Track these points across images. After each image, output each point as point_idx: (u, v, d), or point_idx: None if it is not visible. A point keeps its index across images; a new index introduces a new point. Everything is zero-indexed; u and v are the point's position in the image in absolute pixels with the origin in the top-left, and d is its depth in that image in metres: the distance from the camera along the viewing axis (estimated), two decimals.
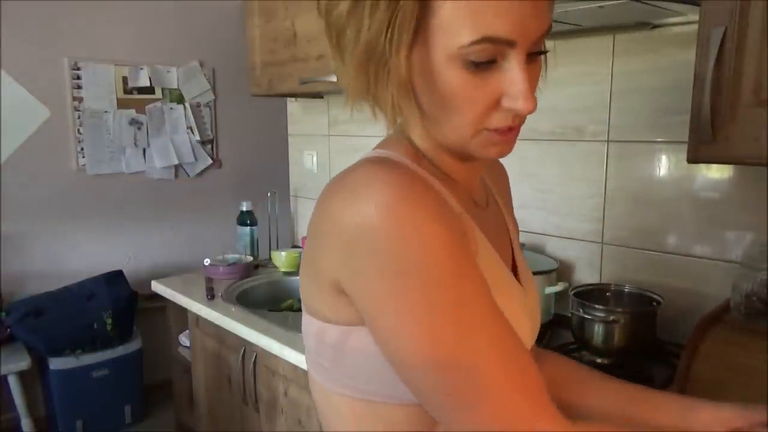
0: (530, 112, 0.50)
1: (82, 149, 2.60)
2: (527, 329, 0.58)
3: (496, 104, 0.51)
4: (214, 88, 2.96)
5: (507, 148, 0.55)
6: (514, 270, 0.66)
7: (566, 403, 0.71)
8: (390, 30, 0.47)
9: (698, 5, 0.87)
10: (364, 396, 0.55)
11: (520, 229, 0.81)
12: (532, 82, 0.51)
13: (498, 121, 0.52)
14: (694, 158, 0.91)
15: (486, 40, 0.47)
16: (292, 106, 2.45)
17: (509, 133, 0.53)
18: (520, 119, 0.53)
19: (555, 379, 0.73)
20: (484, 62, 0.48)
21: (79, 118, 2.57)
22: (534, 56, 0.51)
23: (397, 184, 0.47)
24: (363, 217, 0.47)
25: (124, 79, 2.68)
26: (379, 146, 0.61)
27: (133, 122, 2.72)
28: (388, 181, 0.47)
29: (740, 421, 0.61)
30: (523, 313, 0.58)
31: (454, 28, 0.47)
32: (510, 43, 0.48)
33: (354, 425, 0.57)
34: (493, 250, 0.58)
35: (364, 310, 0.50)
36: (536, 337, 0.67)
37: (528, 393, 0.48)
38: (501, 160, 0.68)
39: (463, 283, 0.47)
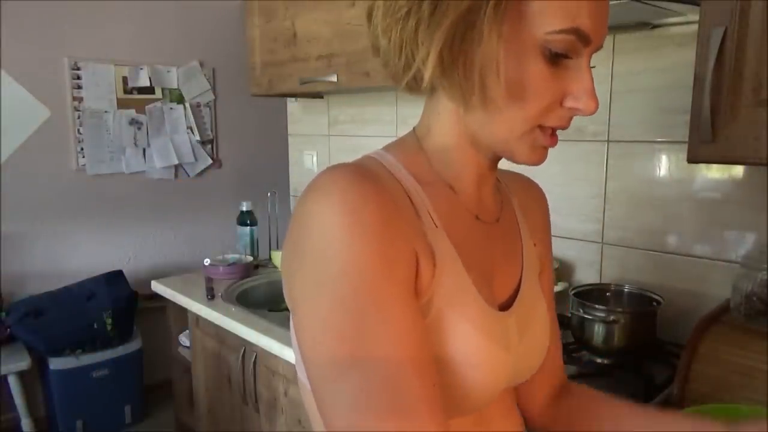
0: (592, 113, 0.51)
1: (82, 149, 2.60)
2: (493, 353, 0.54)
3: (558, 102, 0.51)
4: (214, 88, 2.96)
5: (545, 155, 0.54)
6: (515, 293, 0.62)
7: None
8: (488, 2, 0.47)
9: (698, 5, 0.87)
10: None
11: None
12: None
13: (555, 119, 0.52)
14: (694, 158, 0.91)
15: (573, 31, 0.48)
16: (292, 106, 2.45)
17: (554, 138, 0.53)
18: (569, 122, 0.53)
19: (581, 414, 0.70)
20: (560, 55, 0.49)
21: (79, 118, 2.57)
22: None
23: (345, 195, 0.46)
24: (305, 220, 0.47)
25: (124, 79, 2.68)
26: (386, 146, 0.60)
27: (133, 122, 2.72)
28: (337, 191, 0.46)
29: None
30: (488, 337, 0.54)
31: (545, 15, 0.47)
32: (587, 41, 0.49)
33: (314, 419, 0.57)
34: (461, 270, 0.54)
35: (291, 310, 0.51)
36: (533, 365, 0.62)
37: (414, 408, 0.45)
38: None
39: (375, 301, 0.45)
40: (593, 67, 0.53)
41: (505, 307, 0.59)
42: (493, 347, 0.54)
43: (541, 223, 0.72)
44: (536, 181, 0.76)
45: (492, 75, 0.49)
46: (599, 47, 0.51)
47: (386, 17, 0.51)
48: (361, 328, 0.45)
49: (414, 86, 0.55)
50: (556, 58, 0.49)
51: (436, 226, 0.54)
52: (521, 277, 0.63)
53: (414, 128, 0.61)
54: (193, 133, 2.89)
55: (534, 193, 0.73)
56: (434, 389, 0.47)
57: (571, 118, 0.52)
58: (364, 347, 0.45)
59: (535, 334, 0.62)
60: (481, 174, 0.59)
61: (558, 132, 0.54)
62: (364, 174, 0.48)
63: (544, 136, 0.53)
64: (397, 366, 0.45)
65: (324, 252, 0.45)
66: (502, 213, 0.64)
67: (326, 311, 0.46)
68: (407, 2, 0.49)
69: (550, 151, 0.56)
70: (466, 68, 0.49)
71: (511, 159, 0.55)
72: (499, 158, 0.59)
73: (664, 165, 1.33)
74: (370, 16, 0.55)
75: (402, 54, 0.51)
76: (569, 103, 0.51)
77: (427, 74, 0.49)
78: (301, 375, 0.59)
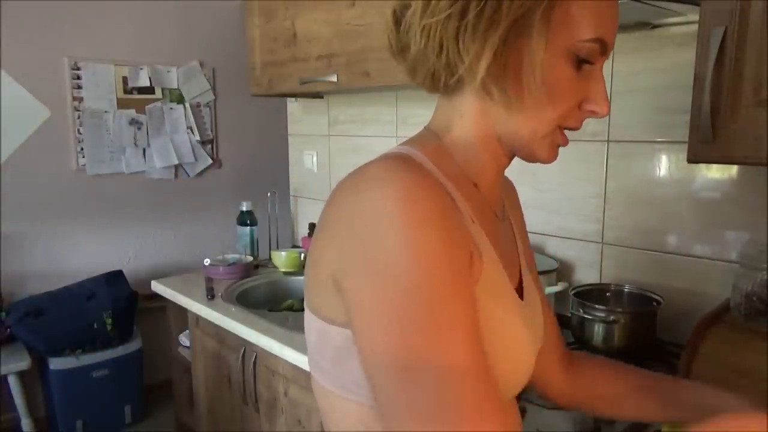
0: (605, 115, 0.56)
1: (82, 149, 2.60)
2: (525, 339, 0.58)
3: (578, 105, 0.55)
4: (214, 88, 2.96)
5: (558, 153, 0.58)
6: (520, 285, 0.65)
7: (625, 414, 0.73)
8: (541, 7, 0.49)
9: (698, 5, 0.87)
10: (367, 401, 0.53)
11: None
12: None
13: (574, 121, 0.56)
14: (694, 158, 0.91)
15: (598, 41, 0.52)
16: (292, 106, 2.45)
17: (566, 138, 0.57)
18: (582, 124, 0.57)
19: (597, 383, 0.75)
20: (584, 61, 0.53)
21: (79, 118, 2.57)
22: None
23: (405, 183, 0.46)
24: (364, 210, 0.46)
25: (124, 79, 2.68)
26: (406, 143, 0.59)
27: (133, 122, 2.72)
28: (396, 179, 0.46)
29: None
30: (523, 325, 0.57)
31: (581, 23, 0.51)
32: (606, 49, 0.53)
33: (355, 429, 0.56)
34: (499, 263, 0.57)
35: (348, 310, 0.49)
36: (537, 349, 0.66)
37: (476, 416, 0.45)
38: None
39: (443, 302, 0.45)
40: None
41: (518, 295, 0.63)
42: (525, 331, 0.57)
43: (518, 214, 0.77)
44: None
45: (533, 78, 0.51)
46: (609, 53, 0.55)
47: (424, 17, 0.52)
48: (429, 319, 0.45)
49: (438, 85, 0.56)
50: (580, 64, 0.53)
51: (473, 221, 0.55)
52: (520, 270, 0.66)
53: (428, 127, 0.61)
54: (193, 133, 2.89)
55: (510, 189, 0.77)
56: (491, 386, 0.48)
57: (584, 120, 0.56)
58: (431, 342, 0.45)
59: (538, 321, 0.66)
60: (499, 169, 0.62)
61: None
62: (412, 164, 0.49)
63: (561, 137, 0.57)
64: (465, 365, 0.45)
65: (385, 243, 0.45)
66: (504, 210, 0.68)
67: (394, 303, 0.45)
68: (448, 3, 0.50)
69: None
70: (516, 71, 0.51)
71: (530, 158, 0.58)
72: (513, 157, 0.61)
73: (663, 165, 1.33)
74: (397, 17, 0.56)
75: (443, 54, 0.52)
76: (587, 106, 0.55)
77: (479, 75, 0.50)
78: (316, 373, 0.59)
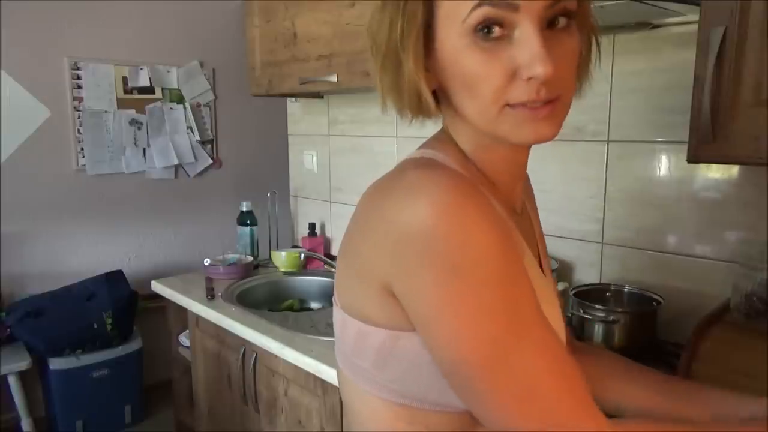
0: (548, 76, 0.47)
1: (82, 149, 2.60)
2: (562, 330, 0.60)
3: (513, 77, 0.49)
4: (214, 88, 2.96)
5: (545, 128, 0.51)
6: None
7: (607, 397, 0.73)
8: (401, 27, 0.51)
9: (698, 5, 0.87)
10: (406, 401, 0.55)
11: None
12: (554, 50, 0.48)
13: (519, 95, 0.49)
14: (694, 158, 0.91)
15: (480, 3, 0.48)
16: (292, 106, 2.45)
17: (540, 110, 0.50)
18: (547, 91, 0.49)
19: (598, 373, 0.75)
20: (492, 37, 0.49)
21: (79, 118, 2.57)
22: (557, 29, 0.50)
23: (450, 186, 0.48)
24: (418, 218, 0.47)
25: (124, 79, 2.68)
26: (425, 146, 0.60)
27: (133, 122, 2.72)
28: (442, 184, 0.48)
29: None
30: (559, 317, 0.60)
31: (456, 6, 0.49)
32: (512, 6, 0.47)
33: (391, 429, 0.57)
34: (532, 255, 0.60)
35: (417, 314, 0.50)
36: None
37: (574, 395, 0.48)
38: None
39: (515, 286, 0.48)
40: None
41: None
42: (560, 324, 0.59)
43: (533, 202, 0.77)
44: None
45: (447, 83, 0.54)
46: (547, 6, 0.48)
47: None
48: (511, 305, 0.47)
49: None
50: (491, 40, 0.49)
51: (504, 219, 0.57)
52: (541, 262, 0.67)
53: (443, 129, 0.62)
54: (193, 133, 2.89)
55: (527, 182, 0.77)
56: (581, 379, 0.50)
57: (541, 87, 0.49)
58: (519, 326, 0.47)
59: (559, 314, 0.66)
60: (512, 168, 0.61)
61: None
62: (447, 168, 0.53)
63: (521, 111, 0.51)
64: (546, 361, 0.48)
65: (447, 245, 0.46)
66: (524, 204, 0.69)
67: (473, 296, 0.47)
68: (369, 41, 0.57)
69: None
70: (400, 89, 0.55)
71: (507, 142, 0.54)
72: (525, 150, 0.61)
73: (664, 165, 1.33)
74: None
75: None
76: (524, 73, 0.48)
77: (381, 97, 0.57)
78: (351, 375, 0.59)
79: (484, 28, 0.49)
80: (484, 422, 0.51)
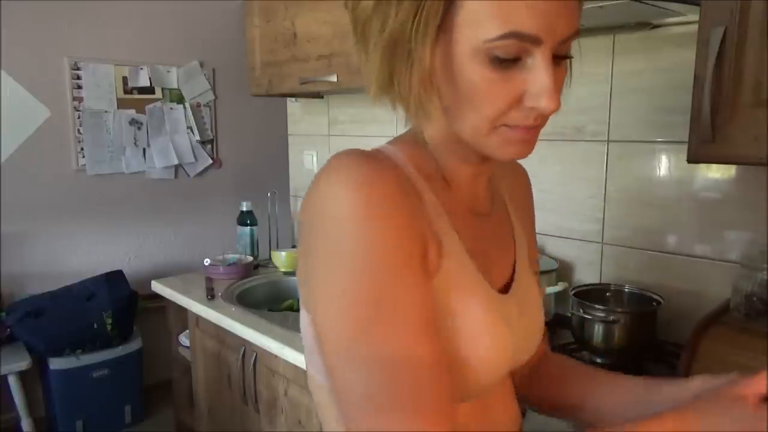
0: (553, 112, 0.50)
1: (82, 149, 2.60)
2: (501, 334, 0.56)
3: (517, 102, 0.50)
4: (214, 88, 2.96)
5: (526, 148, 0.53)
6: (511, 279, 0.64)
7: (570, 403, 0.71)
8: (416, 20, 0.48)
9: (698, 5, 0.87)
10: None
11: None
12: (557, 83, 0.50)
13: (518, 118, 0.51)
14: (694, 158, 0.91)
15: (512, 35, 0.47)
16: (292, 106, 2.45)
17: (529, 132, 0.52)
18: (542, 119, 0.52)
19: (561, 379, 0.73)
20: (508, 59, 0.48)
21: (79, 118, 2.57)
22: (559, 59, 0.51)
23: (358, 173, 0.47)
24: (318, 202, 0.48)
25: (124, 79, 2.68)
26: (391, 141, 0.61)
27: (133, 122, 2.72)
28: (353, 170, 0.48)
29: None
30: (496, 318, 0.56)
31: (481, 22, 0.47)
32: (536, 41, 0.47)
33: (328, 414, 0.58)
34: (467, 260, 0.56)
35: (308, 291, 0.51)
36: (530, 347, 0.65)
37: (413, 402, 0.46)
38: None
39: (395, 284, 0.47)
40: (570, 57, 0.53)
41: (504, 291, 0.62)
42: (499, 325, 0.56)
43: (526, 206, 0.75)
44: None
45: (444, 88, 0.51)
46: (563, 42, 0.49)
47: (355, 40, 0.55)
48: (378, 307, 0.46)
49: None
50: (507, 62, 0.48)
51: (441, 218, 0.55)
52: (515, 264, 0.66)
53: (412, 127, 0.62)
54: (193, 133, 2.89)
55: (519, 176, 0.75)
56: (447, 379, 0.49)
57: (539, 116, 0.51)
58: (380, 331, 0.46)
59: (532, 316, 0.65)
60: (474, 169, 0.60)
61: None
62: (371, 155, 0.51)
63: (515, 132, 0.52)
64: (416, 356, 0.46)
65: (339, 231, 0.46)
66: (494, 205, 0.67)
67: (344, 288, 0.46)
68: (353, 28, 0.54)
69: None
70: (402, 87, 0.52)
71: (489, 155, 0.55)
72: (492, 160, 0.60)
73: (664, 165, 1.33)
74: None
75: (361, 73, 0.56)
76: (529, 102, 0.50)
77: (371, 95, 0.54)
78: (312, 370, 0.59)
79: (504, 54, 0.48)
80: (344, 419, 0.49)
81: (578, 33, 0.51)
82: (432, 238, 0.52)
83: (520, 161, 0.61)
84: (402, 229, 0.48)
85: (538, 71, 0.49)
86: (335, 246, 0.47)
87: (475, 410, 0.59)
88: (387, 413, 0.45)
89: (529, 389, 0.75)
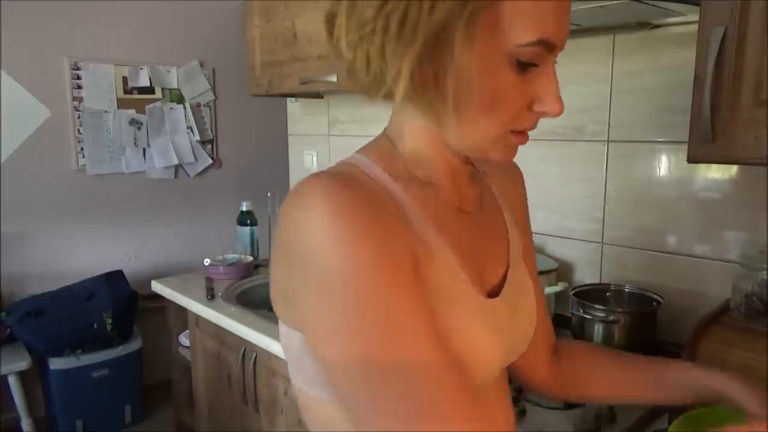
0: (558, 115, 0.52)
1: (82, 149, 2.60)
2: (489, 341, 0.56)
3: (527, 107, 0.52)
4: (214, 88, 2.96)
5: (516, 151, 0.56)
6: (503, 279, 0.63)
7: (601, 394, 0.74)
8: (459, 19, 0.46)
9: (698, 5, 0.87)
10: (331, 399, 0.55)
11: None
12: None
13: (526, 122, 0.53)
14: (694, 158, 0.91)
15: (541, 42, 0.48)
16: (292, 106, 2.45)
17: (524, 137, 0.54)
18: (536, 124, 0.54)
19: (580, 370, 0.75)
20: (529, 64, 0.49)
21: (79, 118, 2.57)
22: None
23: (334, 199, 0.46)
24: (298, 231, 0.47)
25: (124, 79, 2.68)
26: (360, 149, 0.61)
27: (133, 122, 2.72)
28: (326, 197, 0.46)
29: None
30: (483, 326, 0.56)
31: (516, 28, 0.47)
32: (552, 48, 0.49)
33: (322, 427, 0.58)
34: (452, 260, 0.55)
35: (299, 322, 0.52)
36: (518, 349, 0.65)
37: (448, 411, 0.46)
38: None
39: (387, 299, 0.46)
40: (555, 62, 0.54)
41: (495, 291, 0.61)
42: (486, 332, 0.55)
43: (519, 203, 0.75)
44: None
45: (465, 89, 0.49)
46: (562, 49, 0.51)
47: (350, 32, 0.50)
48: (384, 325, 0.45)
49: (372, 98, 0.55)
50: (524, 67, 0.49)
51: (421, 220, 0.54)
52: (508, 261, 0.65)
53: (385, 131, 0.62)
54: (193, 133, 2.89)
55: (511, 173, 0.75)
56: (465, 376, 0.49)
57: (538, 120, 0.54)
58: (391, 347, 0.45)
59: (524, 315, 0.65)
60: (454, 170, 0.60)
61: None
62: (343, 179, 0.49)
63: (517, 137, 0.54)
64: (429, 362, 0.46)
65: (323, 260, 0.45)
66: (483, 201, 0.66)
67: (339, 318, 0.46)
68: (373, 19, 0.48)
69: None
70: (439, 86, 0.49)
71: (483, 159, 0.56)
72: (468, 158, 0.60)
73: (664, 165, 1.33)
74: (330, 28, 0.53)
75: (369, 70, 0.51)
76: (537, 107, 0.52)
77: (399, 94, 0.49)
78: (296, 381, 0.60)
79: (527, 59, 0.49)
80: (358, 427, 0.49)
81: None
82: (416, 241, 0.52)
83: (516, 160, 0.61)
84: (386, 247, 0.47)
85: (547, 76, 0.51)
86: (325, 279, 0.46)
87: None
88: (421, 422, 0.45)
89: (562, 389, 0.77)
